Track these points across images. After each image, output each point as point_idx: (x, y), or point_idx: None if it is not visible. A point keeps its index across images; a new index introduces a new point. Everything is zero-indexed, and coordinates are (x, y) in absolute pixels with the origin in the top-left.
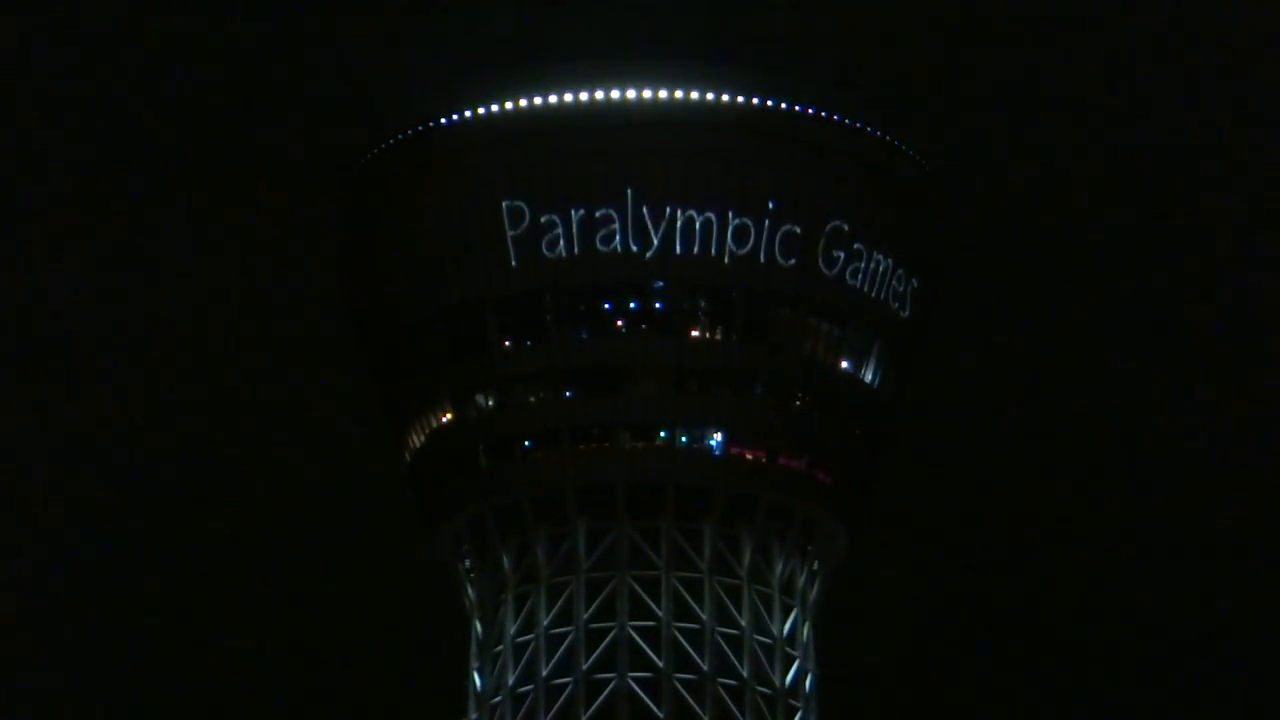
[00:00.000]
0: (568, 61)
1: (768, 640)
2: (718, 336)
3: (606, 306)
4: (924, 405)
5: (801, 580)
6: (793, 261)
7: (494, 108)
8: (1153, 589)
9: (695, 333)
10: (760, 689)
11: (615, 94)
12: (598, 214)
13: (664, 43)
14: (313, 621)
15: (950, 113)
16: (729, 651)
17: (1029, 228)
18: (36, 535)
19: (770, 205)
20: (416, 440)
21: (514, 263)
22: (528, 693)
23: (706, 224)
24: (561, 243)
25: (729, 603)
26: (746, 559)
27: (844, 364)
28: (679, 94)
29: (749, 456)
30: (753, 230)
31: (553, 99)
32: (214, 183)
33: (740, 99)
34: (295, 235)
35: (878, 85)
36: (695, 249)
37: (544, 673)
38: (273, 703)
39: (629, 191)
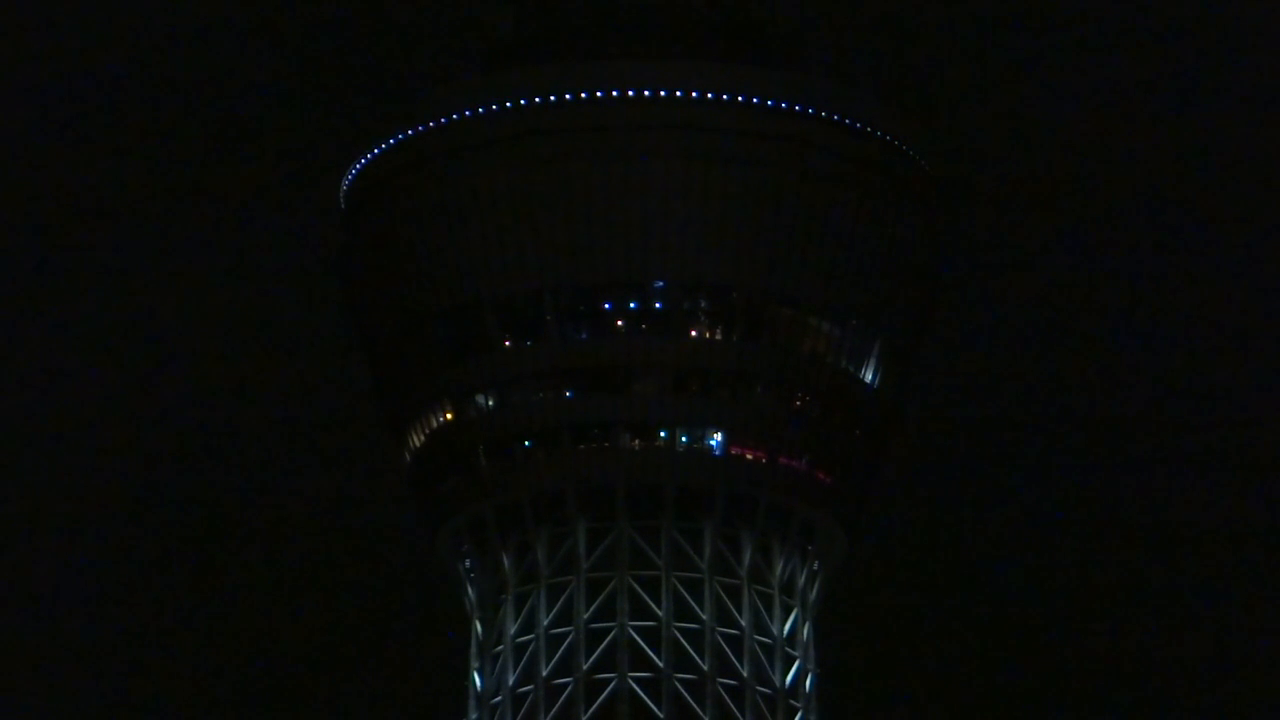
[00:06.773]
0: (565, 61)
1: (768, 640)
2: (718, 336)
3: (606, 306)
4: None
5: (801, 580)
6: (793, 261)
7: (492, 107)
8: (1158, 589)
9: (695, 333)
10: (760, 689)
11: (614, 93)
12: (597, 213)
13: (663, 43)
14: (312, 622)
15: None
16: (729, 651)
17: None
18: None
19: (770, 205)
20: (416, 440)
21: (514, 263)
22: (528, 693)
23: (706, 223)
24: (561, 242)
25: (729, 603)
26: (746, 559)
27: (844, 364)
28: (678, 94)
29: (749, 457)
30: (753, 229)
31: (551, 98)
32: (211, 183)
33: (740, 99)
34: (293, 235)
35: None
36: (695, 248)
37: (544, 673)
38: (272, 702)
39: (628, 191)
